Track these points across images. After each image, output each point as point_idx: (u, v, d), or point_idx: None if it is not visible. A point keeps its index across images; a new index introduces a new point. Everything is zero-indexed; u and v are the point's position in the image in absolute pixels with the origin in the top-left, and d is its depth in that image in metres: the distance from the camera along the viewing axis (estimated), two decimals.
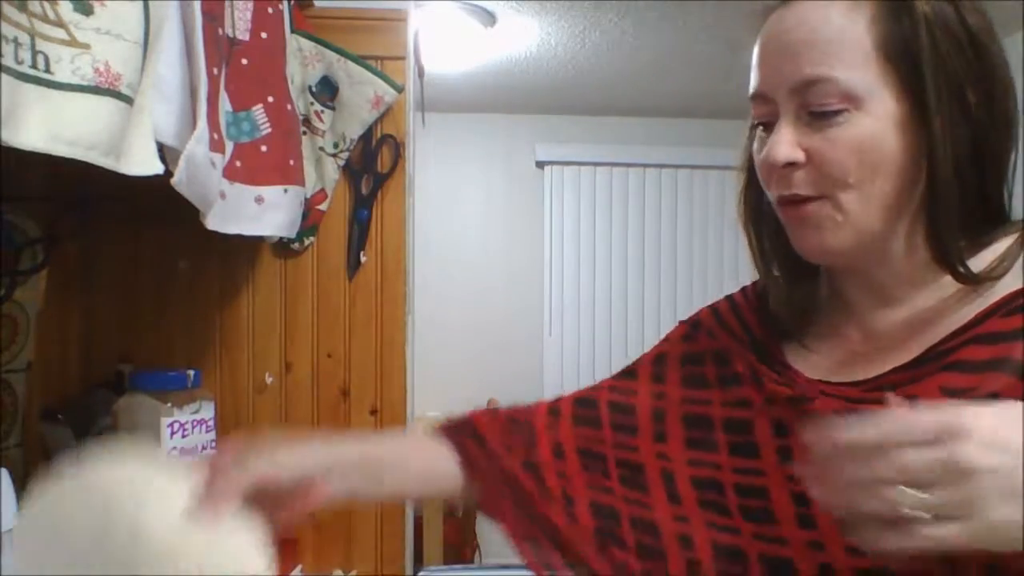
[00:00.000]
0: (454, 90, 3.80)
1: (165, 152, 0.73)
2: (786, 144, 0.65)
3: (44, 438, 1.15)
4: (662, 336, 0.85)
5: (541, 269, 4.28)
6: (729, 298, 0.84)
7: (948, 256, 0.65)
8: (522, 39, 3.19)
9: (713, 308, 0.83)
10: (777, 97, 0.66)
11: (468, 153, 4.29)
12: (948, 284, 0.67)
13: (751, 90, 0.70)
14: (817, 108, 0.64)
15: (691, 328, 0.83)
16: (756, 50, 0.70)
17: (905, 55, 0.64)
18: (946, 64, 0.63)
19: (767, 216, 0.74)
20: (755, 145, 0.71)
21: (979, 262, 0.65)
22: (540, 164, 4.28)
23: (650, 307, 4.22)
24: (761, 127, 0.70)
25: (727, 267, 4.21)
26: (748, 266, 0.80)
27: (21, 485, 0.92)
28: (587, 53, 3.34)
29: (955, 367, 0.62)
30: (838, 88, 0.63)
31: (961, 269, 0.65)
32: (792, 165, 0.65)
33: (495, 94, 3.92)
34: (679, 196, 4.30)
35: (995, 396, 0.59)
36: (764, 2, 0.71)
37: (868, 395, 0.64)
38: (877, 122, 0.64)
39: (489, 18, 2.94)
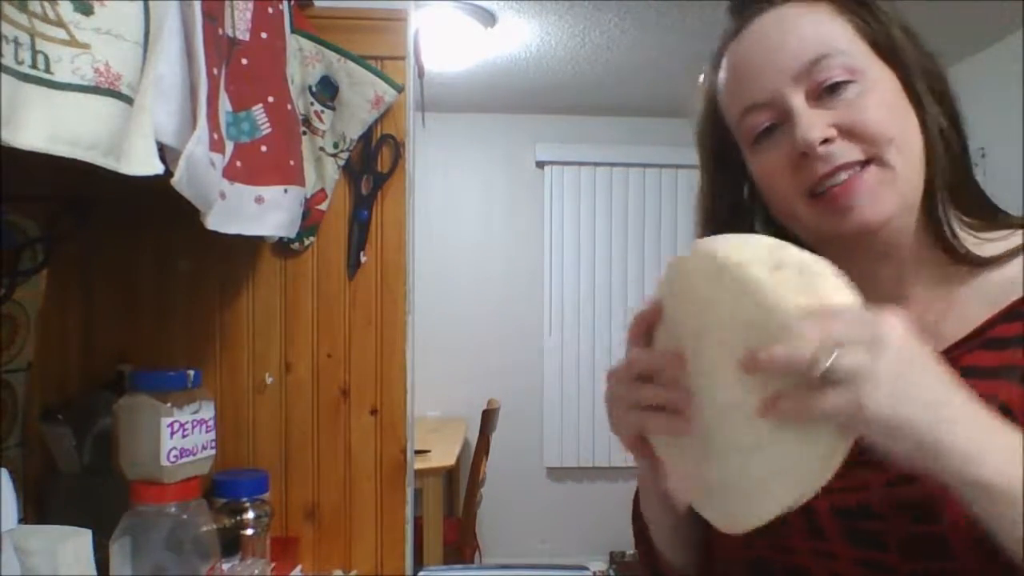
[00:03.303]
0: (454, 90, 3.80)
1: (165, 152, 0.73)
2: (814, 124, 0.65)
3: (44, 438, 1.15)
4: None
5: (541, 269, 4.27)
6: None
7: (941, 225, 0.67)
8: (522, 39, 3.20)
9: None
10: (782, 90, 0.66)
11: (468, 153, 4.29)
12: (952, 279, 0.67)
13: (739, 108, 0.70)
14: (828, 81, 0.65)
15: None
16: (731, 69, 0.71)
17: (884, 41, 0.67)
18: (915, 52, 0.67)
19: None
20: (756, 161, 0.71)
21: (983, 252, 0.66)
22: (540, 164, 4.28)
23: None
24: (755, 142, 0.70)
25: None
26: None
27: (21, 485, 0.92)
28: (587, 53, 3.34)
29: (966, 373, 0.61)
30: (842, 60, 0.65)
31: (954, 243, 0.66)
32: (827, 141, 0.65)
33: (495, 94, 3.92)
34: (679, 196, 4.29)
35: (1006, 408, 0.59)
36: (721, 31, 0.74)
37: None
38: (886, 87, 0.66)
39: (489, 18, 2.94)
